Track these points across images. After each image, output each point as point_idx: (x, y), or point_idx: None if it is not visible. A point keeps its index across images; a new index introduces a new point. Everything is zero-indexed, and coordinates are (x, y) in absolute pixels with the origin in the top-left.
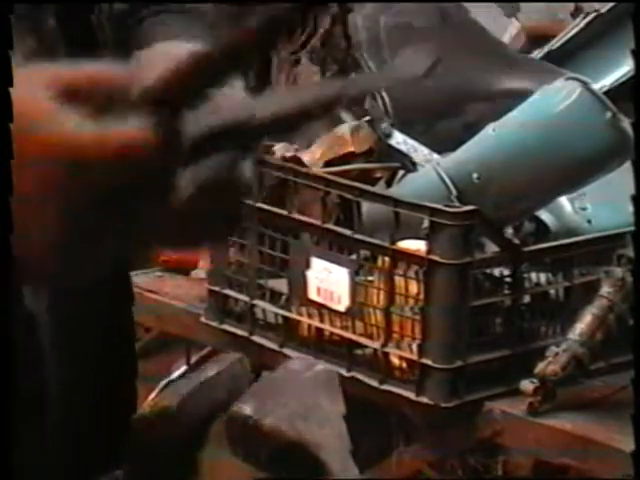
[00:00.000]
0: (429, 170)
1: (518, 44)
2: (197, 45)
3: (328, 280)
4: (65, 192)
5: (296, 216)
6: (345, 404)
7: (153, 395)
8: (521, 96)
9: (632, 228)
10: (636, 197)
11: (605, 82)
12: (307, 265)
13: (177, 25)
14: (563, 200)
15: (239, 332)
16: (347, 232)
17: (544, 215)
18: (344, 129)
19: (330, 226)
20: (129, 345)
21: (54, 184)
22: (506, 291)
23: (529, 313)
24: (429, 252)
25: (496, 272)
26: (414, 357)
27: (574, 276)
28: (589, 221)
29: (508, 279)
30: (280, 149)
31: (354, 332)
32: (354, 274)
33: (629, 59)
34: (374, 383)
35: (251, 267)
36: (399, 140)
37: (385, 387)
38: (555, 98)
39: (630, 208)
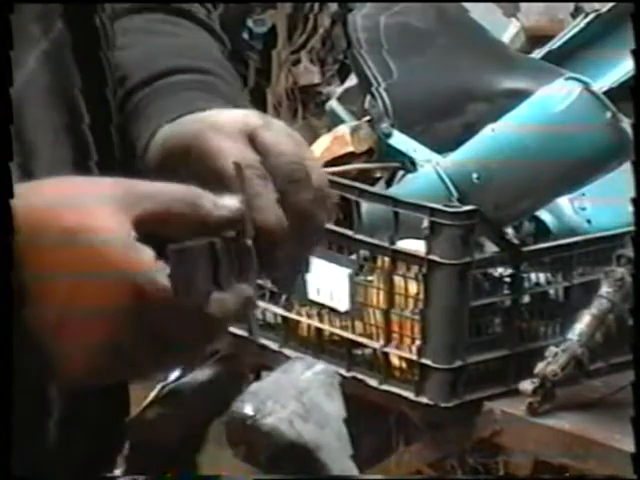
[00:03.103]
0: (429, 170)
1: (518, 44)
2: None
3: (328, 280)
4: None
5: None
6: (345, 404)
7: (152, 396)
8: (521, 96)
9: (632, 228)
10: (636, 198)
11: (605, 82)
12: None
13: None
14: (563, 200)
15: (239, 332)
16: (347, 232)
17: (544, 215)
18: (344, 129)
19: (330, 226)
20: None
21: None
22: (506, 291)
23: (529, 313)
24: (429, 252)
25: (496, 272)
26: (414, 357)
27: (574, 276)
28: (589, 221)
29: (508, 279)
30: None
31: (354, 332)
32: (354, 274)
33: (629, 59)
34: (374, 383)
35: None
36: (399, 140)
37: (385, 387)
38: (555, 98)
39: (630, 208)
